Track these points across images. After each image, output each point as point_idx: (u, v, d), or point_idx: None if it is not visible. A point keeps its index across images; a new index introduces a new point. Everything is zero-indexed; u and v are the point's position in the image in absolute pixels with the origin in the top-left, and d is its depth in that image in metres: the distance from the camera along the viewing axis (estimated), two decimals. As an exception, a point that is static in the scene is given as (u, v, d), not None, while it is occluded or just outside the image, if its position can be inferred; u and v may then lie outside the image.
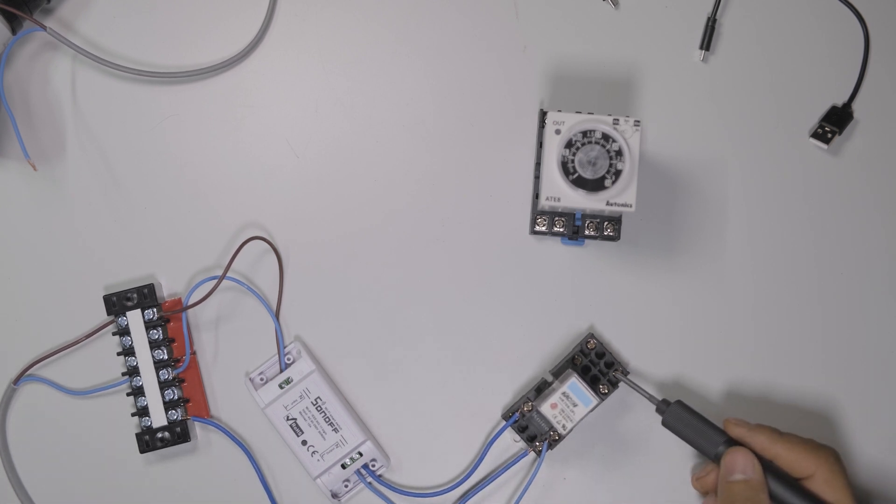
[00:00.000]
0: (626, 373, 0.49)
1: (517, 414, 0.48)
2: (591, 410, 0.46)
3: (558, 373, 0.48)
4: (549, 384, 0.48)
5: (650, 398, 0.47)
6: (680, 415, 0.45)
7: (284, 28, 0.52)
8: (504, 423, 0.49)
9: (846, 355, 0.50)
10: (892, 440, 0.50)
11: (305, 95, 0.51)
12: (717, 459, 0.45)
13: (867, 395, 0.50)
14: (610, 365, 0.49)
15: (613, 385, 0.48)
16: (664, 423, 0.46)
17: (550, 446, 0.48)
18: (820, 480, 0.43)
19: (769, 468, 0.44)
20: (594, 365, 0.49)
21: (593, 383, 0.48)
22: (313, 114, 0.51)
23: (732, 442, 0.45)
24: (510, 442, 0.50)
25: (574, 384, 0.46)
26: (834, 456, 0.44)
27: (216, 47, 0.51)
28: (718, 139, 0.51)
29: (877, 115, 0.51)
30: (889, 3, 0.51)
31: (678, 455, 0.49)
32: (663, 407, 0.46)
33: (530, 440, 0.48)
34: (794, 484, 0.44)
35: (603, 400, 0.47)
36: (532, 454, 0.49)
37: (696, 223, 0.51)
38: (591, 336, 0.49)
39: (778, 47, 0.51)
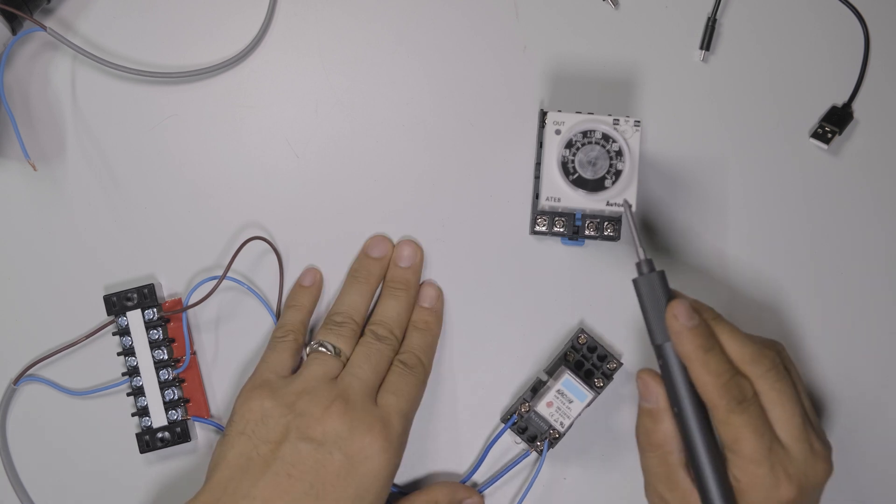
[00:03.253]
0: (629, 205, 0.44)
1: (515, 416, 0.48)
2: (588, 405, 0.46)
3: (552, 371, 0.48)
4: (544, 383, 0.48)
5: (638, 249, 0.42)
6: (653, 286, 0.41)
7: (284, 28, 0.52)
8: (503, 425, 0.49)
9: (846, 355, 0.50)
10: (892, 441, 0.50)
11: (305, 95, 0.51)
12: (656, 350, 0.42)
13: (867, 396, 0.50)
14: (603, 358, 0.49)
15: (608, 378, 0.48)
16: (634, 282, 0.42)
17: (551, 445, 0.48)
18: (717, 416, 0.40)
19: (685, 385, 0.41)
20: (587, 360, 0.49)
21: (587, 378, 0.48)
22: (313, 114, 0.51)
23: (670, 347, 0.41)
24: (510, 444, 0.50)
25: (568, 381, 0.46)
26: (743, 394, 0.40)
27: (216, 47, 0.51)
28: (718, 139, 0.51)
29: (877, 115, 0.51)
30: (889, 3, 0.51)
31: (678, 455, 0.50)
32: (645, 268, 0.42)
33: (531, 440, 0.49)
34: (703, 419, 0.41)
35: (599, 394, 0.47)
36: (533, 454, 0.49)
37: (696, 223, 0.51)
38: (582, 331, 0.49)
39: (778, 47, 0.51)
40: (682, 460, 0.42)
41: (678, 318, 0.40)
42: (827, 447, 0.41)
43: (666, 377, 0.42)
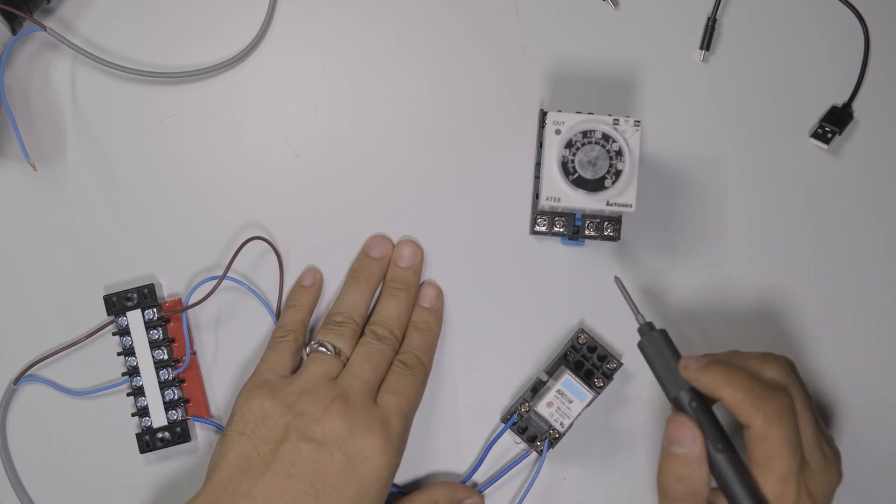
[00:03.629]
0: (621, 283, 0.45)
1: (515, 416, 0.48)
2: (588, 405, 0.46)
3: (552, 371, 0.48)
4: (544, 383, 0.48)
5: (637, 315, 0.43)
6: (657, 344, 0.42)
7: (284, 28, 0.52)
8: (503, 425, 0.49)
9: (846, 355, 0.50)
10: (891, 440, 0.50)
11: (305, 95, 0.51)
12: (674, 404, 0.42)
13: (867, 396, 0.50)
14: (603, 358, 0.49)
15: (608, 378, 0.48)
16: (639, 345, 0.43)
17: (551, 445, 0.48)
18: (754, 434, 0.39)
19: (713, 426, 0.40)
20: (587, 360, 0.49)
21: (587, 378, 0.48)
22: (313, 114, 0.51)
23: (693, 390, 0.41)
24: (510, 444, 0.50)
25: (568, 381, 0.46)
26: (780, 404, 0.39)
27: (216, 47, 0.51)
28: (718, 139, 0.51)
29: (877, 115, 0.51)
30: (889, 3, 0.51)
31: (678, 455, 0.50)
32: (646, 329, 0.43)
33: (531, 440, 0.49)
34: (733, 456, 0.40)
35: (599, 394, 0.47)
36: (533, 454, 0.49)
37: (696, 223, 0.51)
38: (582, 331, 0.49)
39: (778, 47, 0.51)
40: None
41: (690, 366, 0.41)
42: (837, 455, 0.41)
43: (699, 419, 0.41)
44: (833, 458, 0.41)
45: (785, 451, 0.39)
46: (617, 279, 0.45)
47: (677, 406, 0.41)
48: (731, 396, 0.39)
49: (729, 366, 0.40)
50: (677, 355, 0.42)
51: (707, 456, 0.40)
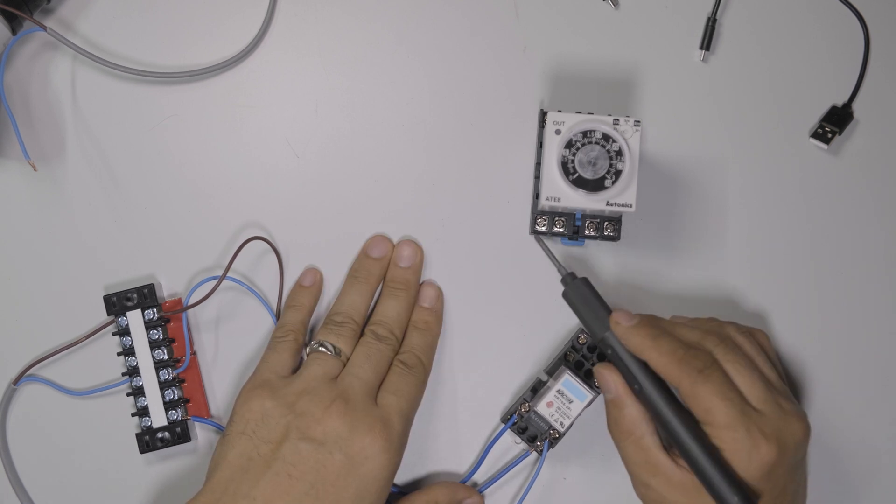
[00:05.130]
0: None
1: (515, 416, 0.48)
2: (588, 405, 0.46)
3: (552, 371, 0.48)
4: (544, 383, 0.48)
5: (559, 267, 0.46)
6: (581, 291, 0.44)
7: (284, 28, 0.52)
8: (503, 425, 0.49)
9: (846, 355, 0.50)
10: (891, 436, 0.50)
11: (305, 95, 0.51)
12: (601, 345, 0.44)
13: (867, 396, 0.50)
14: (603, 358, 0.49)
15: None
16: (564, 295, 0.45)
17: (551, 445, 0.48)
18: (684, 392, 0.40)
19: (636, 367, 0.42)
20: (587, 360, 0.49)
21: (587, 378, 0.48)
22: (313, 114, 0.51)
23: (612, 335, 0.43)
24: (510, 444, 0.50)
25: (568, 381, 0.46)
26: (701, 361, 0.40)
27: (216, 47, 0.51)
28: (718, 139, 0.51)
29: (877, 115, 0.51)
30: (889, 3, 0.51)
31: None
32: (568, 279, 0.45)
33: (531, 440, 0.49)
34: (668, 394, 0.42)
35: (599, 394, 0.47)
36: (533, 454, 0.49)
37: (696, 223, 0.51)
38: (582, 331, 0.49)
39: (778, 47, 0.51)
40: (656, 443, 0.42)
41: (620, 322, 0.43)
42: (798, 408, 0.42)
43: (618, 363, 0.43)
44: (793, 409, 0.41)
45: (716, 401, 0.40)
46: (536, 237, 0.47)
47: (604, 346, 0.43)
48: (656, 360, 0.41)
49: (655, 329, 0.42)
50: (602, 301, 0.44)
51: (636, 394, 0.42)
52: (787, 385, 0.44)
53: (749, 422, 0.39)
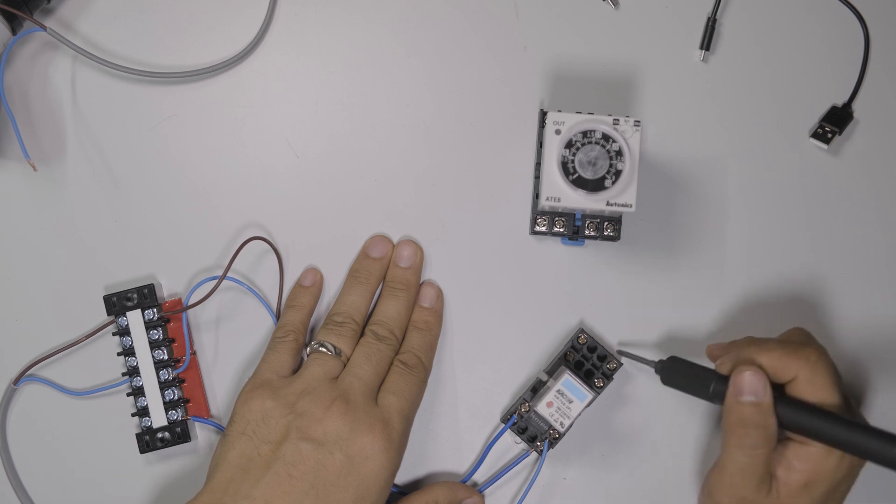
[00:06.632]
0: (620, 353, 0.49)
1: (515, 416, 0.48)
2: (588, 405, 0.46)
3: (552, 371, 0.49)
4: (544, 383, 0.48)
5: (647, 362, 0.47)
6: (675, 367, 0.45)
7: (284, 28, 0.52)
8: (503, 425, 0.49)
9: (846, 356, 0.50)
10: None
11: (305, 95, 0.51)
12: (714, 399, 0.43)
13: (866, 396, 0.50)
14: (603, 358, 0.49)
15: (608, 378, 0.48)
16: (663, 381, 0.45)
17: (551, 445, 0.48)
18: (803, 381, 0.41)
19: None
20: (587, 360, 0.49)
21: (587, 378, 0.48)
22: (313, 114, 0.51)
23: (723, 378, 0.43)
24: (510, 444, 0.50)
25: (568, 381, 0.46)
26: (816, 354, 0.42)
27: (216, 47, 0.51)
28: (718, 139, 0.51)
29: (877, 115, 0.51)
30: (889, 3, 0.51)
31: (679, 449, 0.50)
32: (659, 366, 0.46)
33: (531, 440, 0.49)
34: (794, 402, 0.42)
35: (598, 394, 0.47)
36: (533, 454, 0.49)
37: (696, 223, 0.51)
38: (582, 331, 0.49)
39: (778, 47, 0.51)
40: (771, 461, 0.42)
41: (717, 352, 0.45)
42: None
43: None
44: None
45: (833, 391, 0.41)
46: (619, 351, 0.49)
47: (720, 399, 0.43)
48: (770, 360, 0.42)
49: (754, 338, 0.44)
50: (696, 365, 0.44)
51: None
52: None
53: (850, 414, 0.41)
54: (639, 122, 0.45)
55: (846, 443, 0.40)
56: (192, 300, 0.49)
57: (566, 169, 0.44)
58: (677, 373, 0.45)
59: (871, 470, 0.42)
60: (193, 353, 0.50)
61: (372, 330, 0.47)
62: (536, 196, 0.49)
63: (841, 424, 0.40)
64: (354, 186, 0.51)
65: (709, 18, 0.51)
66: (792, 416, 0.41)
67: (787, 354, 0.42)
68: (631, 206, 0.44)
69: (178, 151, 0.51)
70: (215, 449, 0.45)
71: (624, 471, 0.50)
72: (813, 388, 0.41)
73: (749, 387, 0.41)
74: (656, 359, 0.46)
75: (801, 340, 0.44)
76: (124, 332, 0.49)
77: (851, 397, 0.44)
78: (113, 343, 0.50)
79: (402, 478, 0.50)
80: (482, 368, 0.50)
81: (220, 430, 0.50)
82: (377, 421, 0.43)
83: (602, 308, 0.50)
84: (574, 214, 0.47)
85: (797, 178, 0.51)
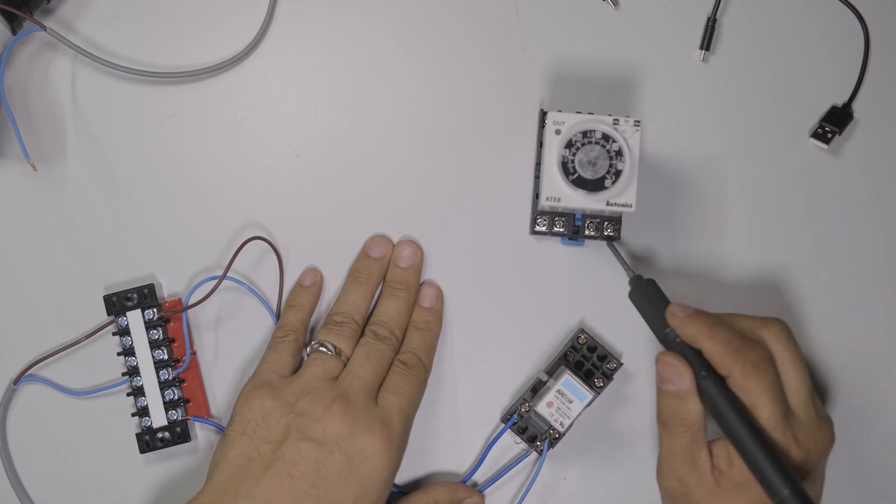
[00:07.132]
0: (613, 238, 0.47)
1: (515, 416, 0.48)
2: (588, 405, 0.46)
3: (552, 371, 0.49)
4: (544, 383, 0.48)
5: (627, 269, 0.46)
6: (645, 290, 0.44)
7: (284, 28, 0.52)
8: (503, 425, 0.49)
9: (846, 356, 0.50)
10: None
11: (305, 95, 0.51)
12: (663, 342, 0.43)
13: (866, 397, 0.50)
14: (603, 358, 0.49)
15: (608, 378, 0.48)
16: (629, 295, 0.45)
17: (551, 445, 0.48)
18: (735, 383, 0.40)
19: (697, 357, 0.42)
20: (587, 360, 0.49)
21: (587, 378, 0.48)
22: (313, 114, 0.51)
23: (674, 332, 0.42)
24: (510, 444, 0.50)
25: (568, 381, 0.46)
26: (759, 357, 0.40)
27: (216, 47, 0.51)
28: (718, 139, 0.51)
29: (877, 115, 0.51)
30: (889, 3, 0.51)
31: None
32: (635, 281, 0.45)
33: (531, 440, 0.49)
34: (723, 393, 0.41)
35: (599, 394, 0.47)
36: (533, 454, 0.49)
37: (696, 223, 0.51)
38: (582, 331, 0.49)
39: (778, 47, 0.51)
40: (705, 440, 0.42)
41: (676, 313, 0.42)
42: (828, 418, 0.42)
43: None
44: (826, 418, 0.41)
45: (765, 400, 0.40)
46: (609, 243, 0.47)
47: (666, 344, 0.43)
48: (711, 348, 0.41)
49: (711, 317, 0.42)
50: (666, 300, 0.44)
51: (697, 387, 0.41)
52: None
53: (786, 426, 0.40)
54: (639, 122, 0.45)
55: (743, 455, 0.39)
56: (192, 300, 0.49)
57: (566, 169, 0.44)
58: (645, 296, 0.44)
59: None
60: (193, 353, 0.50)
61: (372, 330, 0.47)
62: (536, 196, 0.49)
63: (739, 435, 0.39)
64: (354, 186, 0.51)
65: (709, 18, 0.51)
66: (710, 407, 0.41)
67: (727, 353, 0.40)
68: (631, 206, 0.44)
69: (178, 151, 0.51)
70: (215, 449, 0.45)
71: (624, 471, 0.50)
72: (743, 392, 0.40)
73: (666, 376, 0.42)
74: (637, 273, 0.45)
75: (758, 338, 0.42)
76: (124, 331, 0.49)
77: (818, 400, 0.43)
78: (113, 343, 0.50)
79: (402, 478, 0.50)
80: (482, 368, 0.50)
81: (220, 430, 0.50)
82: (377, 421, 0.43)
83: (602, 308, 0.50)
84: (574, 214, 0.47)
85: (797, 178, 0.51)
